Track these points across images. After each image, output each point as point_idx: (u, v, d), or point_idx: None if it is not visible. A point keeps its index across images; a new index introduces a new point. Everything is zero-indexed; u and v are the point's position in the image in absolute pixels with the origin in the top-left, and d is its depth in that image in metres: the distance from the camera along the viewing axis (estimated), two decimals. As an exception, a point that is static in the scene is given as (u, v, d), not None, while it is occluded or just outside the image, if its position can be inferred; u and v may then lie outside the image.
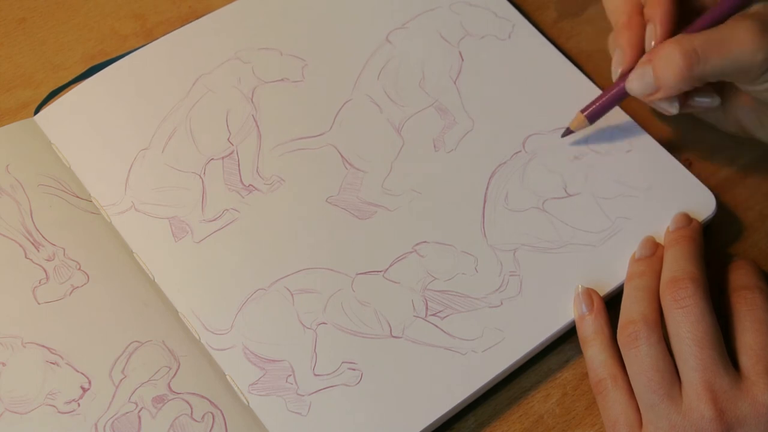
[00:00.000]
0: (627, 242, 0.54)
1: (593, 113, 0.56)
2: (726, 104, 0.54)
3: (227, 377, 0.50)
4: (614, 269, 0.53)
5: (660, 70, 0.51)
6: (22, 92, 0.59)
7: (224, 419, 0.49)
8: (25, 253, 0.52)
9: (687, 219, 0.54)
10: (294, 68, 0.59)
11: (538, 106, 0.58)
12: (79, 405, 0.49)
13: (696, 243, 0.52)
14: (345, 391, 0.50)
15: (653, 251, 0.53)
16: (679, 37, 0.51)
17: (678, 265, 0.50)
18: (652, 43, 0.52)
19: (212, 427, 0.49)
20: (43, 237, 0.53)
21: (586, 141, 0.57)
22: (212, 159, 0.56)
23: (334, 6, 0.61)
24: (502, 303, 0.52)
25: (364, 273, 0.53)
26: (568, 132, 0.56)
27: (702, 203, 0.55)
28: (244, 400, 0.50)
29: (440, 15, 0.61)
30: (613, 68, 0.55)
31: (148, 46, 0.59)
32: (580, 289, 0.52)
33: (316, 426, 0.49)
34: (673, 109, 0.53)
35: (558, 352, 0.53)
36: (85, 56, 0.61)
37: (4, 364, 0.50)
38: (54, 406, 0.49)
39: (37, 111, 0.58)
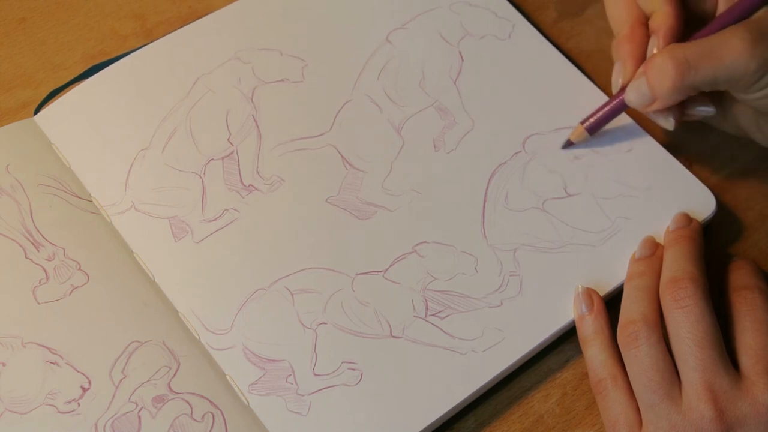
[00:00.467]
0: (627, 242, 0.54)
1: (593, 125, 0.56)
2: (724, 109, 0.54)
3: (227, 377, 0.50)
4: (614, 269, 0.53)
5: (653, 80, 0.51)
6: (22, 92, 0.59)
7: (224, 419, 0.49)
8: (25, 253, 0.52)
9: (687, 219, 0.54)
10: (294, 68, 0.59)
11: (538, 106, 0.58)
12: (79, 405, 0.49)
13: (696, 243, 0.52)
14: (345, 391, 0.50)
15: (653, 251, 0.53)
16: (671, 46, 0.51)
17: (678, 265, 0.50)
18: None
19: (212, 427, 0.49)
20: (43, 237, 0.53)
21: (586, 141, 0.57)
22: (212, 159, 0.56)
23: (334, 6, 0.61)
24: (502, 303, 0.52)
25: (364, 273, 0.53)
26: (569, 144, 0.56)
27: (702, 203, 0.55)
28: (244, 400, 0.50)
29: (440, 15, 0.61)
30: (613, 80, 0.55)
31: (148, 46, 0.59)
32: (580, 289, 0.52)
33: (316, 426, 0.49)
34: (668, 125, 0.53)
35: (558, 352, 0.53)
36: (85, 56, 0.61)
37: (4, 364, 0.50)
38: (54, 406, 0.49)
39: (37, 111, 0.58)
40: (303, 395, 0.50)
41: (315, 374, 0.50)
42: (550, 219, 0.55)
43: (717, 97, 0.54)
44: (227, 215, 0.54)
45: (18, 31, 0.61)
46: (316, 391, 0.50)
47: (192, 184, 0.55)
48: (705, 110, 0.54)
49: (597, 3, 0.63)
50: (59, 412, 0.49)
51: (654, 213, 0.55)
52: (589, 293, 0.52)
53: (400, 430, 0.49)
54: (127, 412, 0.49)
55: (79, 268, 0.52)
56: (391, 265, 0.53)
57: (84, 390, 0.49)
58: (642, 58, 0.53)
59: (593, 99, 0.58)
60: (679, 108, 0.53)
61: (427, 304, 0.52)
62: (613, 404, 0.49)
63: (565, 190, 0.55)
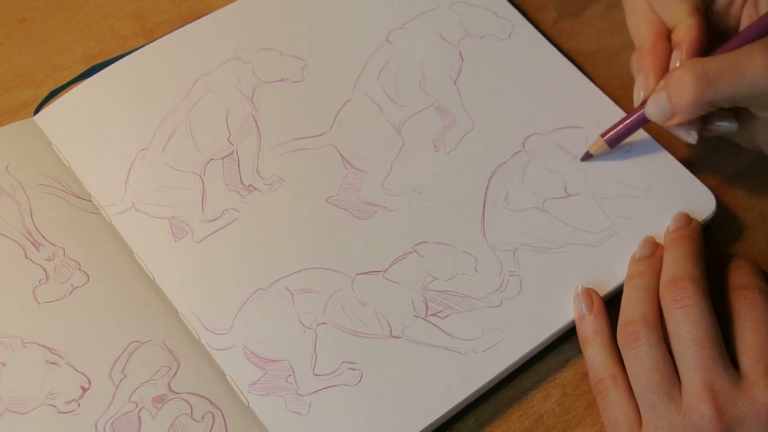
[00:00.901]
0: (627, 242, 0.54)
1: (613, 138, 0.55)
2: (741, 123, 0.53)
3: (227, 377, 0.50)
4: (614, 269, 0.53)
5: (673, 95, 0.51)
6: (22, 92, 0.59)
7: (224, 419, 0.49)
8: (25, 253, 0.52)
9: (687, 219, 0.54)
10: (294, 68, 0.59)
11: (538, 106, 0.58)
12: (79, 405, 0.49)
13: (696, 243, 0.52)
14: (345, 391, 0.50)
15: (653, 251, 0.53)
16: (692, 60, 0.50)
17: (678, 265, 0.50)
18: None
19: (212, 427, 0.49)
20: (43, 237, 0.53)
21: (586, 141, 0.57)
22: (212, 159, 0.56)
23: (334, 6, 0.61)
24: (502, 303, 0.52)
25: (364, 273, 0.53)
26: (588, 156, 0.56)
27: (702, 203, 0.55)
28: (244, 400, 0.50)
29: (440, 15, 0.61)
30: (635, 93, 0.54)
31: (148, 46, 0.59)
32: (579, 289, 0.52)
33: (316, 426, 0.49)
34: (690, 139, 0.53)
35: (558, 352, 0.53)
36: (85, 56, 0.61)
37: (4, 364, 0.50)
38: (54, 406, 0.49)
39: (37, 111, 0.58)
40: (303, 395, 0.50)
41: (315, 374, 0.50)
42: (550, 219, 0.55)
43: (735, 111, 0.53)
44: (227, 215, 0.54)
45: (18, 31, 0.61)
46: (316, 391, 0.50)
47: (192, 184, 0.55)
48: (727, 126, 0.53)
49: (597, 3, 0.63)
50: (59, 412, 0.49)
51: (654, 213, 0.55)
52: (589, 293, 0.52)
53: (400, 430, 0.49)
54: (127, 412, 0.49)
55: (79, 268, 0.52)
56: (391, 265, 0.53)
57: (84, 390, 0.49)
58: (664, 71, 0.53)
59: (593, 99, 0.58)
60: (701, 122, 0.53)
61: (427, 304, 0.52)
62: (613, 404, 0.49)
63: (565, 190, 0.55)
